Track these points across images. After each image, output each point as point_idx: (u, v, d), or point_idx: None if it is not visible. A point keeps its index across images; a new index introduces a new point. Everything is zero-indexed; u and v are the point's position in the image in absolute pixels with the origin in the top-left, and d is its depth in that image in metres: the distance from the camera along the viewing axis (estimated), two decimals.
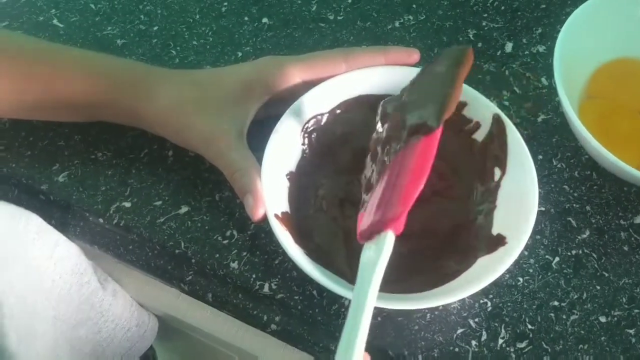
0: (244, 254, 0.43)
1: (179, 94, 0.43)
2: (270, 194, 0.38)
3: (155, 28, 0.54)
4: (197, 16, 0.55)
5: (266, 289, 0.42)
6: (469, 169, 0.42)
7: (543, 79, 0.51)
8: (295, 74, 0.42)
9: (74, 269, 0.49)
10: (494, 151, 0.41)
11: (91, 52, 0.47)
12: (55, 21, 0.55)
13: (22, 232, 0.45)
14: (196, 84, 0.44)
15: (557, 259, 0.43)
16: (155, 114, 0.43)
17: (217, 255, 0.43)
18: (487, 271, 0.36)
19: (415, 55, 0.45)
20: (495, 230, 0.39)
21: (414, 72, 0.43)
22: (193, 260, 0.43)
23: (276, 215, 0.37)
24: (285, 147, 0.41)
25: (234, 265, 0.43)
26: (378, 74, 0.43)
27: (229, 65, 0.46)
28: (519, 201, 0.38)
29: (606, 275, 0.42)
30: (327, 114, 0.43)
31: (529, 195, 0.38)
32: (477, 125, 0.42)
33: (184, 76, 0.45)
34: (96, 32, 0.54)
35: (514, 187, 0.39)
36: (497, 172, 0.41)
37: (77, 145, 0.48)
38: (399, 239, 0.39)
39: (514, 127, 0.40)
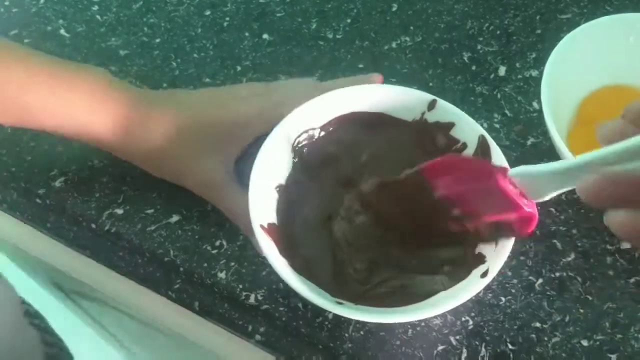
0: (232, 264, 0.44)
1: (174, 135, 0.42)
2: (258, 205, 0.39)
3: (158, 40, 0.56)
4: (199, 30, 0.57)
5: (252, 299, 0.43)
6: None
7: (534, 103, 0.51)
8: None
9: None
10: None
11: (72, 82, 0.42)
12: (62, 31, 0.57)
13: None
14: (193, 122, 0.43)
15: (540, 280, 0.43)
16: (149, 159, 0.44)
17: (205, 264, 0.44)
18: (463, 289, 0.36)
19: (377, 78, 0.48)
20: (478, 249, 0.39)
21: (406, 91, 0.44)
22: (181, 269, 0.44)
23: (262, 226, 0.38)
24: (276, 159, 0.41)
25: (222, 275, 0.44)
26: (371, 92, 0.44)
27: (225, 96, 0.47)
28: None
29: (590, 299, 0.43)
30: (318, 129, 0.44)
31: None
32: (464, 146, 0.43)
33: (179, 113, 0.43)
34: (101, 43, 0.56)
35: None
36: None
37: (75, 152, 0.49)
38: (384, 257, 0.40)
39: (498, 149, 0.41)
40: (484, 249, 0.39)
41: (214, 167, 0.43)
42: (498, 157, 0.41)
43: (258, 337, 0.43)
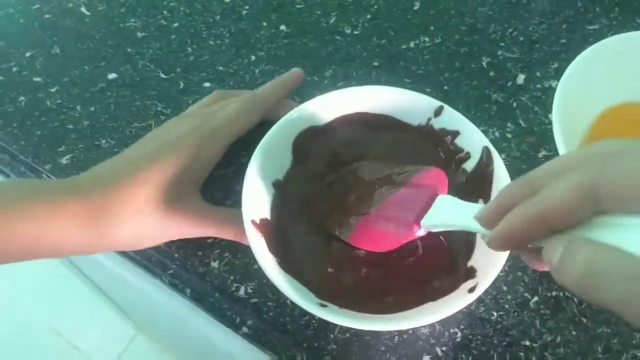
0: (226, 254, 0.44)
1: (140, 205, 0.39)
2: (251, 200, 0.38)
3: (176, 25, 0.56)
4: (218, 17, 0.56)
5: (242, 292, 0.43)
6: (456, 197, 0.42)
7: (550, 115, 0.50)
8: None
9: None
10: (480, 183, 0.41)
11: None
12: (83, 9, 0.57)
13: None
14: (149, 181, 0.40)
15: (535, 298, 0.42)
16: (130, 239, 0.40)
17: (200, 253, 0.44)
18: (449, 303, 0.35)
19: (298, 73, 0.49)
20: (471, 262, 0.39)
21: (413, 95, 0.43)
22: (176, 255, 0.44)
23: (253, 222, 0.38)
24: (275, 154, 0.41)
25: (215, 264, 0.44)
26: (377, 94, 0.43)
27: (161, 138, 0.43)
28: None
29: (584, 321, 0.42)
30: (321, 127, 0.43)
31: None
32: (468, 155, 0.42)
33: (131, 180, 0.40)
34: (119, 23, 0.56)
35: None
36: (481, 203, 0.41)
37: (84, 130, 0.50)
38: (375, 262, 0.40)
39: (501, 162, 0.40)
40: (476, 263, 0.38)
41: (193, 205, 0.42)
42: (500, 171, 0.40)
43: (245, 329, 0.43)
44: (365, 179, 0.41)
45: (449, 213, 0.35)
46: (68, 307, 1.33)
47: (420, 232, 0.36)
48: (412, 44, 0.54)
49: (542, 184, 0.26)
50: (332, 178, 0.43)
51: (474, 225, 0.31)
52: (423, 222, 0.36)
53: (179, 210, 0.41)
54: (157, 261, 0.45)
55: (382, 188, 0.40)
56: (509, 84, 0.52)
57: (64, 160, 0.48)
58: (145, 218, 0.40)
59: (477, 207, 0.31)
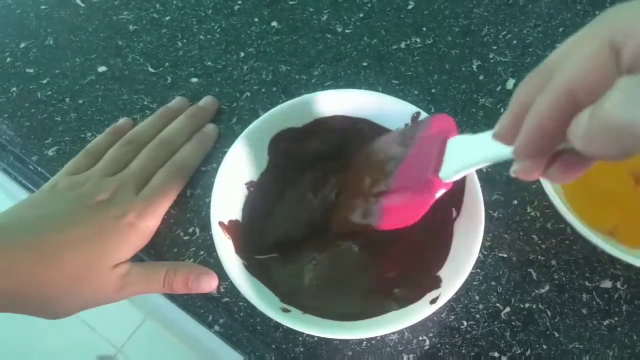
0: (201, 252, 0.44)
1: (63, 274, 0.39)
2: (221, 200, 0.39)
3: (168, 18, 0.56)
4: (210, 11, 0.56)
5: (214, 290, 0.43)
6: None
7: None
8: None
9: None
10: (454, 191, 0.40)
11: None
12: (78, 0, 0.57)
13: None
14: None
15: (507, 309, 0.42)
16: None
17: (176, 249, 0.45)
18: (411, 313, 0.35)
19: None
20: (440, 272, 0.38)
21: (392, 100, 0.43)
22: (152, 251, 0.45)
23: (221, 223, 0.38)
24: (249, 155, 0.41)
25: (189, 262, 0.44)
26: (356, 97, 0.43)
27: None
28: (462, 248, 0.37)
29: (556, 335, 0.41)
30: (298, 129, 0.43)
31: (472, 245, 0.37)
32: None
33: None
34: (112, 16, 0.56)
35: (463, 232, 0.39)
36: (454, 212, 0.40)
37: (71, 123, 0.50)
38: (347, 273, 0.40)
39: (473, 170, 0.39)
40: (444, 273, 0.38)
41: (109, 281, 0.41)
42: (472, 179, 0.39)
43: (217, 327, 0.43)
44: (365, 163, 0.40)
45: (464, 153, 0.32)
46: None
47: (442, 189, 0.33)
48: (402, 45, 0.54)
49: (556, 66, 0.23)
50: (313, 177, 0.43)
51: (495, 152, 0.28)
52: (441, 174, 0.33)
53: (96, 293, 0.41)
54: (135, 257, 0.46)
55: (389, 163, 0.38)
56: (498, 88, 0.51)
57: (50, 152, 0.49)
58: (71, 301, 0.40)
59: (491, 132, 0.28)
